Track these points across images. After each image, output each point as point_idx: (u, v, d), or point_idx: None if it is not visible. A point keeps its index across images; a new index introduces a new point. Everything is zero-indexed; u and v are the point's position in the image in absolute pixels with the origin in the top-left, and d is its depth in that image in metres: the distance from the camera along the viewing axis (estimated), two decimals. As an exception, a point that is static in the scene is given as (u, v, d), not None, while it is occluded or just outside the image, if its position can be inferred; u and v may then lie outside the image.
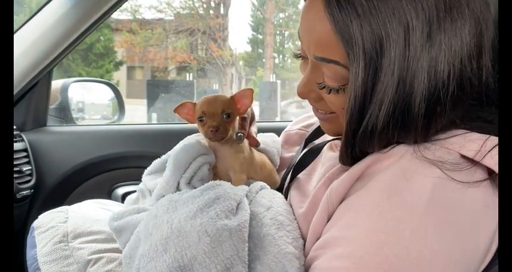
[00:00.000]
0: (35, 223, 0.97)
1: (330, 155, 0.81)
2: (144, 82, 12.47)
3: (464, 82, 0.60)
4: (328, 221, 0.67)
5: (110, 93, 2.25)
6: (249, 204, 0.76)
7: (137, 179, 1.03)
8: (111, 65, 14.93)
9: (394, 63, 0.58)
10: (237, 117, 0.88)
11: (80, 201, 1.10)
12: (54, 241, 0.90)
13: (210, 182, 0.79)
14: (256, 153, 0.94)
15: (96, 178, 1.76)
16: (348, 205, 0.64)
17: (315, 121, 1.04)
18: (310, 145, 0.95)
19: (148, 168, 0.99)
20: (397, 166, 0.62)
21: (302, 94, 0.75)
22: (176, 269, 0.64)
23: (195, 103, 0.88)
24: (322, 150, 0.86)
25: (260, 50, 18.77)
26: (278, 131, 1.13)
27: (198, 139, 0.90)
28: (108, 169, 1.76)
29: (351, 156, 0.67)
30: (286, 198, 0.85)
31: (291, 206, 0.80)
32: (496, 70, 0.63)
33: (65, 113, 1.97)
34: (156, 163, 0.98)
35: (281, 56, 19.57)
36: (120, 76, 15.81)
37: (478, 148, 0.60)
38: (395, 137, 0.63)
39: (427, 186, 0.58)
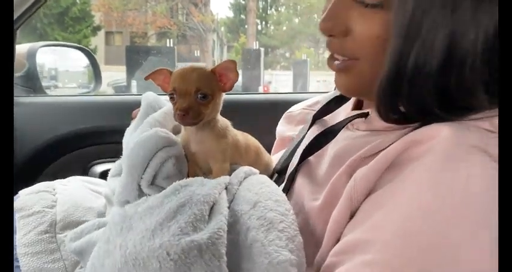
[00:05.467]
0: (17, 204, 0.87)
1: (345, 135, 0.73)
2: (123, 48, 12.33)
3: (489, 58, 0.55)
4: (351, 219, 0.58)
5: (85, 60, 2.12)
6: (231, 202, 0.65)
7: (116, 156, 0.92)
8: (88, 29, 14.98)
9: None
10: (222, 95, 0.77)
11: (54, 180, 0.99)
12: (39, 230, 0.81)
13: (173, 184, 0.66)
14: (238, 133, 0.83)
15: (70, 155, 1.64)
16: (377, 201, 0.56)
17: (321, 98, 0.99)
18: (319, 123, 0.88)
19: (111, 170, 0.89)
20: (436, 152, 0.52)
21: (326, 29, 0.65)
22: None
23: (171, 72, 0.76)
24: None
25: (242, 16, 18.89)
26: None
27: (157, 129, 0.77)
28: (83, 145, 1.65)
29: (393, 101, 0.58)
30: (290, 184, 0.76)
31: (296, 195, 0.72)
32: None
33: (33, 82, 1.82)
34: (119, 164, 0.87)
35: (264, 22, 19.73)
36: (98, 41, 16.02)
37: None
38: (436, 95, 0.56)
39: (476, 176, 0.49)
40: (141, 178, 0.71)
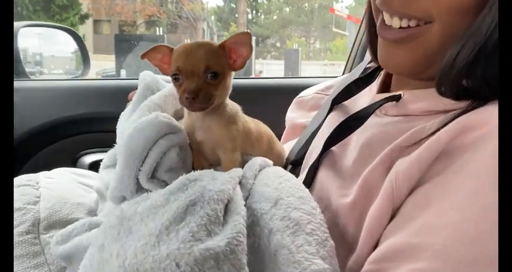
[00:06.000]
0: None
1: (373, 121, 0.66)
2: (112, 37, 12.24)
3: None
4: (392, 218, 0.52)
5: (73, 45, 2.00)
6: (247, 199, 0.57)
7: (107, 145, 0.87)
8: (76, 18, 14.84)
9: None
10: (232, 74, 0.68)
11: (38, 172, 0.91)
12: (20, 230, 0.74)
13: (180, 178, 0.58)
14: (249, 119, 0.76)
15: (57, 145, 1.55)
16: (426, 197, 0.50)
17: (333, 82, 0.96)
18: (339, 109, 0.80)
19: (104, 160, 0.81)
20: (494, 140, 0.47)
21: None
22: None
23: (172, 49, 0.67)
24: None
25: (233, 5, 18.99)
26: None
27: (158, 114, 0.69)
28: (71, 133, 1.56)
29: (462, 73, 0.52)
30: (313, 177, 0.69)
31: (320, 190, 0.65)
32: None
33: (15, 65, 1.69)
34: (113, 153, 0.79)
35: (254, 11, 19.86)
36: (86, 30, 15.87)
37: None
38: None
39: None
40: (140, 170, 0.63)
